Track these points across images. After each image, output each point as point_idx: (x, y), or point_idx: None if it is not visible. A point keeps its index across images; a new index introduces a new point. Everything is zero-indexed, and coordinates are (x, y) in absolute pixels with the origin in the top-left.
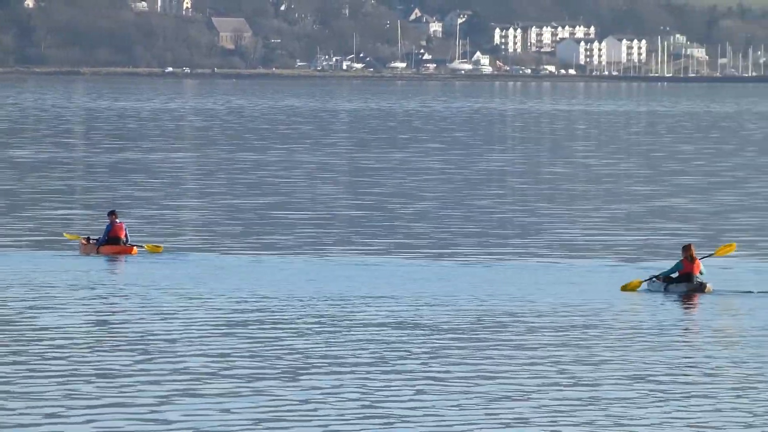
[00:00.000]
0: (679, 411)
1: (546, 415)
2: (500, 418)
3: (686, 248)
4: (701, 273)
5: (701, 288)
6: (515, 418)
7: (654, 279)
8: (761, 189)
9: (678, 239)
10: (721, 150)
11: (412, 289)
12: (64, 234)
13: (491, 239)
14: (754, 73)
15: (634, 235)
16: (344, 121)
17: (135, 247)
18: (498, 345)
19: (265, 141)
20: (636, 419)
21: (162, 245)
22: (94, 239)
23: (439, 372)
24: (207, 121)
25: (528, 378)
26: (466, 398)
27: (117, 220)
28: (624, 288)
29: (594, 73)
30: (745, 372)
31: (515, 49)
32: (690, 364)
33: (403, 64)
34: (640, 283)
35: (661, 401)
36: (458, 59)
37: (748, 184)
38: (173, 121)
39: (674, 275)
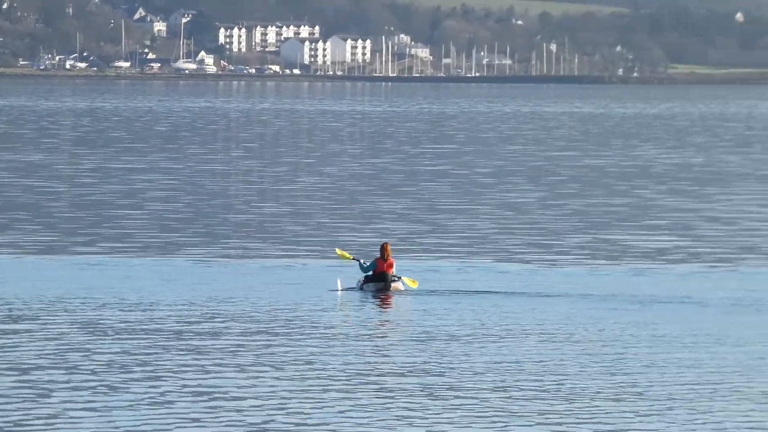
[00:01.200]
0: (351, 408)
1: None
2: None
3: (382, 248)
4: (395, 273)
5: (397, 287)
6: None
7: (363, 262)
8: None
9: (378, 239)
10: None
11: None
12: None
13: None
14: (477, 73)
15: (345, 232)
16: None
17: None
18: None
19: None
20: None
21: None
22: None
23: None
24: None
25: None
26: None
27: None
28: (340, 254)
29: (318, 73)
30: (428, 368)
31: (240, 49)
32: (376, 362)
33: (127, 64)
34: (352, 258)
35: (336, 399)
36: (182, 59)
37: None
38: None
39: (369, 273)
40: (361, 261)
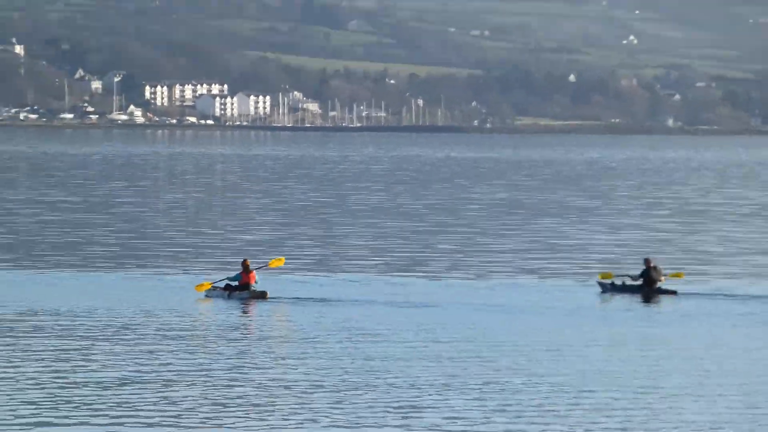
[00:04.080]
0: (224, 412)
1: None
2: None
3: (243, 263)
4: (257, 282)
5: (262, 295)
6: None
7: (219, 287)
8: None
9: (240, 254)
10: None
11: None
12: None
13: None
14: (358, 124)
15: (204, 248)
16: None
17: None
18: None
19: None
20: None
21: None
22: None
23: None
24: None
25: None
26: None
27: None
28: (198, 288)
29: (228, 124)
30: (290, 366)
31: (163, 103)
32: (244, 365)
33: (71, 116)
34: (210, 285)
35: (206, 400)
36: (116, 111)
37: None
38: None
39: (235, 283)
40: (227, 279)
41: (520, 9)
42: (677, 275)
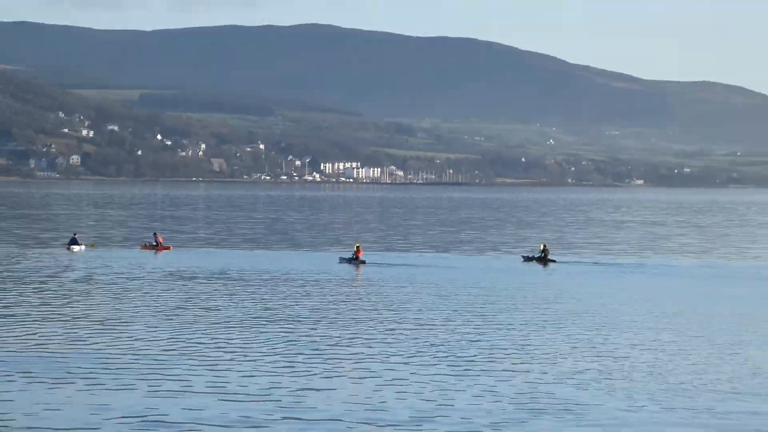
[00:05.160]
0: None
1: None
2: None
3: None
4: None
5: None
6: None
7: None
8: None
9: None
10: None
11: None
12: None
13: None
14: (420, 182)
15: None
16: None
17: None
18: None
19: None
20: None
21: None
22: None
23: None
24: None
25: None
26: None
27: None
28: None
29: (361, 182)
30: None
31: (328, 170)
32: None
33: (285, 177)
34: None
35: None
36: (307, 175)
37: None
38: None
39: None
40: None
41: (498, 128)
42: (545, 248)
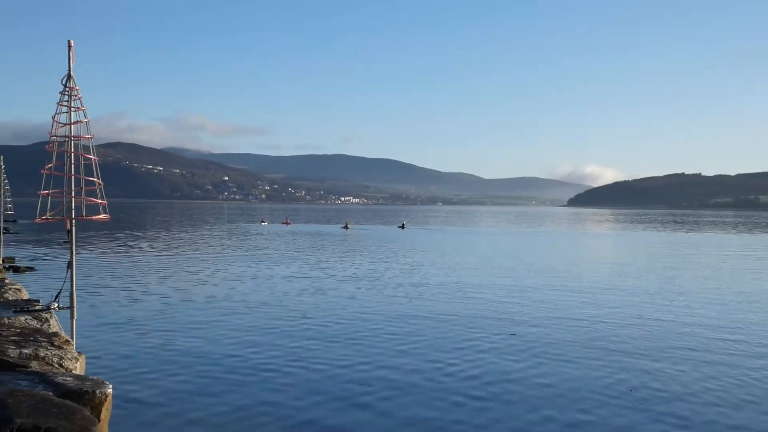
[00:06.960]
0: None
1: None
2: None
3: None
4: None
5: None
6: None
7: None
8: None
9: None
10: None
11: None
12: None
13: None
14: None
15: None
16: None
17: None
18: None
19: None
20: None
21: None
22: None
23: None
24: None
25: None
26: None
27: None
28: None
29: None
30: None
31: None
32: None
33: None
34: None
35: None
36: (345, 199)
37: None
38: None
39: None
40: None
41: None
42: (402, 226)
